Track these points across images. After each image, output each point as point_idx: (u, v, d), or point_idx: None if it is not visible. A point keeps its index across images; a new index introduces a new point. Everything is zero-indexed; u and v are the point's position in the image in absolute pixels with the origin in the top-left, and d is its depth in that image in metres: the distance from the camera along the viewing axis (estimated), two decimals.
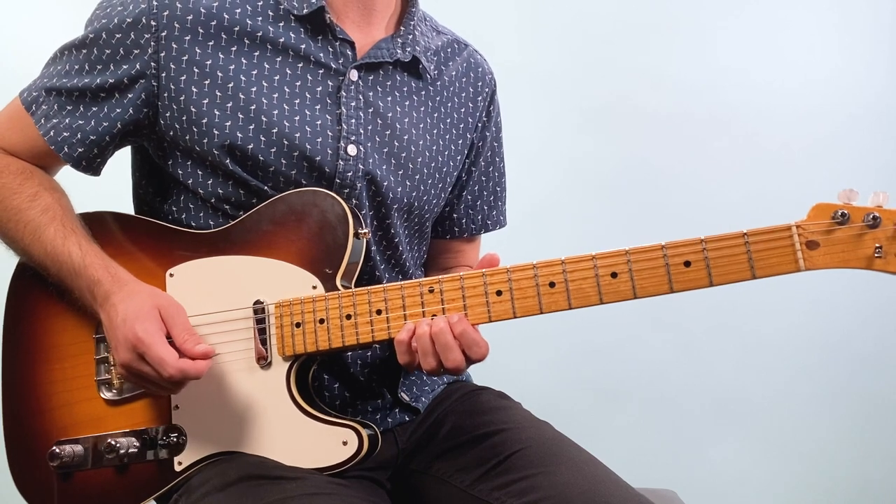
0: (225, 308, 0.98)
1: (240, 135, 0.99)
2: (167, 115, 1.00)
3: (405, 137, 1.09)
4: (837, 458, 2.30)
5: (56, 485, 1.00)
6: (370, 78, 1.06)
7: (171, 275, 1.01)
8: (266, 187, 1.01)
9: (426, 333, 0.91)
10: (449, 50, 1.18)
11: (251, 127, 0.99)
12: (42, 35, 1.10)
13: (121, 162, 1.14)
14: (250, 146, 0.99)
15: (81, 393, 1.02)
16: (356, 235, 0.98)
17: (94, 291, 0.96)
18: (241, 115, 0.99)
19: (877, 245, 0.82)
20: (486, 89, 1.21)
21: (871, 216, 0.82)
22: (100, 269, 0.97)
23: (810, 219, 0.85)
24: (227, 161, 0.99)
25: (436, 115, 1.14)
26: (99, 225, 1.05)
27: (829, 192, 0.89)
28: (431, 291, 0.93)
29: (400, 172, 1.08)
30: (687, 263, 0.87)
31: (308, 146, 1.01)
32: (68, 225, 1.00)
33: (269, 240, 0.99)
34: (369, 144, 1.05)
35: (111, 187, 1.24)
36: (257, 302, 0.98)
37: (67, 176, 1.12)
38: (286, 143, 1.00)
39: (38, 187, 1.03)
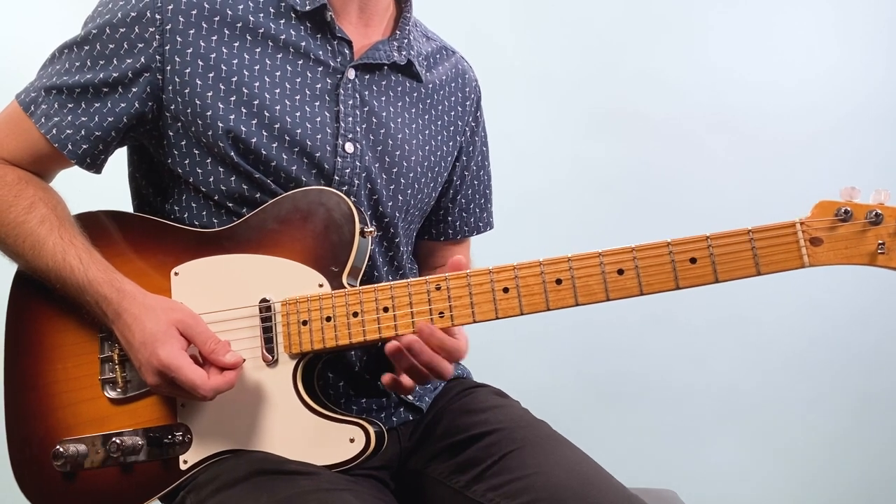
0: (231, 306, 0.98)
1: (243, 128, 0.99)
2: (172, 107, 1.00)
3: (399, 136, 1.10)
4: (838, 458, 2.31)
5: (60, 485, 1.00)
6: (366, 78, 1.08)
7: (176, 273, 1.01)
8: (268, 181, 1.01)
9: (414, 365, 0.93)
10: (438, 56, 1.21)
11: (254, 122, 1.00)
12: (42, 35, 1.09)
13: (121, 162, 1.14)
14: (253, 140, 1.00)
15: (85, 392, 1.01)
16: (362, 234, 0.98)
17: (103, 308, 0.96)
18: (243, 109, 1.00)
19: (879, 241, 0.83)
20: (473, 95, 1.25)
21: (874, 213, 0.83)
22: (104, 284, 0.96)
23: (814, 216, 0.86)
24: (232, 153, 1.00)
25: (427, 117, 1.16)
26: (100, 225, 1.05)
27: (830, 188, 0.90)
28: (438, 289, 0.93)
29: (394, 171, 1.09)
30: (693, 260, 0.88)
31: (308, 142, 1.02)
32: (66, 237, 0.98)
33: (274, 238, 0.99)
34: (364, 142, 1.06)
35: (111, 190, 1.23)
36: (263, 300, 0.98)
37: (66, 177, 1.12)
38: (287, 138, 1.01)
39: (34, 197, 1.01)
